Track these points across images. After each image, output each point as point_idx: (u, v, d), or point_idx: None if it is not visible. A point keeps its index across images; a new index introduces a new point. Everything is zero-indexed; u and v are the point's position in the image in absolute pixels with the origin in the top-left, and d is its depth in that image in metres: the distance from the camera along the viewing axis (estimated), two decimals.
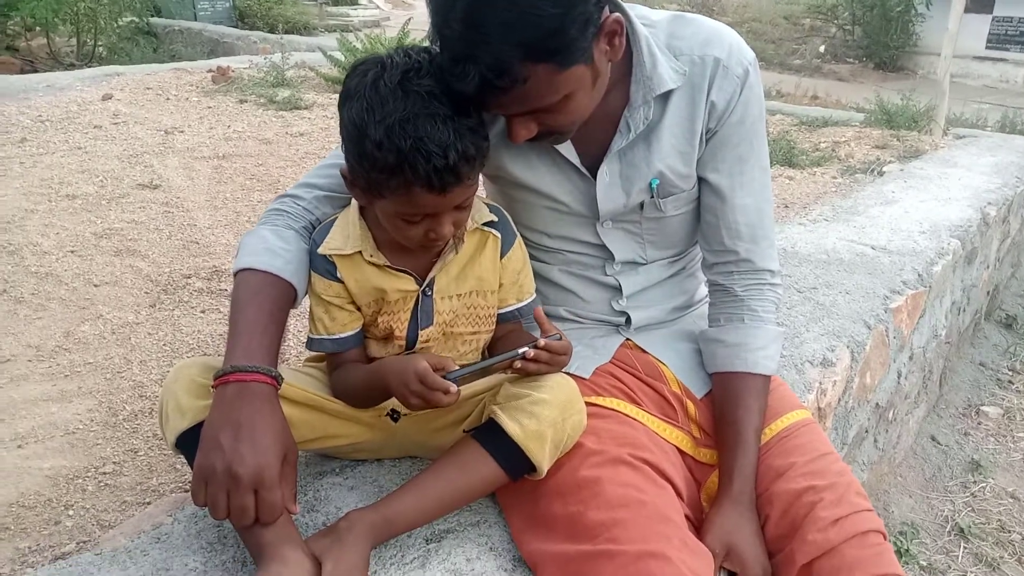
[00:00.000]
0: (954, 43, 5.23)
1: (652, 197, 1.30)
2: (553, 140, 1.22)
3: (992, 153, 4.53)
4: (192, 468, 1.07)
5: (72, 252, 2.89)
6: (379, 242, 1.20)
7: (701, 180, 1.31)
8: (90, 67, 8.39)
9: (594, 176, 1.28)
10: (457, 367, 1.11)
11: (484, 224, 1.24)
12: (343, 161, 1.22)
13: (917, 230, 2.92)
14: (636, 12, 1.22)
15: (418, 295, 1.22)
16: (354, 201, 1.23)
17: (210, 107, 5.53)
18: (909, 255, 2.65)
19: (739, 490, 1.21)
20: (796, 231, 2.83)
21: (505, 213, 1.28)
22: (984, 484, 2.78)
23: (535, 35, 0.98)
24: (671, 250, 1.41)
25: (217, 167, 4.10)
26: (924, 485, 2.79)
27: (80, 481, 1.67)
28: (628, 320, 1.41)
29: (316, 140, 4.78)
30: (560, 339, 1.15)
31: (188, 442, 1.08)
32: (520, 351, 1.11)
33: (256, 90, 6.03)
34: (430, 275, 1.21)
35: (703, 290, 1.51)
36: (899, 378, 2.54)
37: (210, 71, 6.66)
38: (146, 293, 2.57)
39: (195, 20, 13.65)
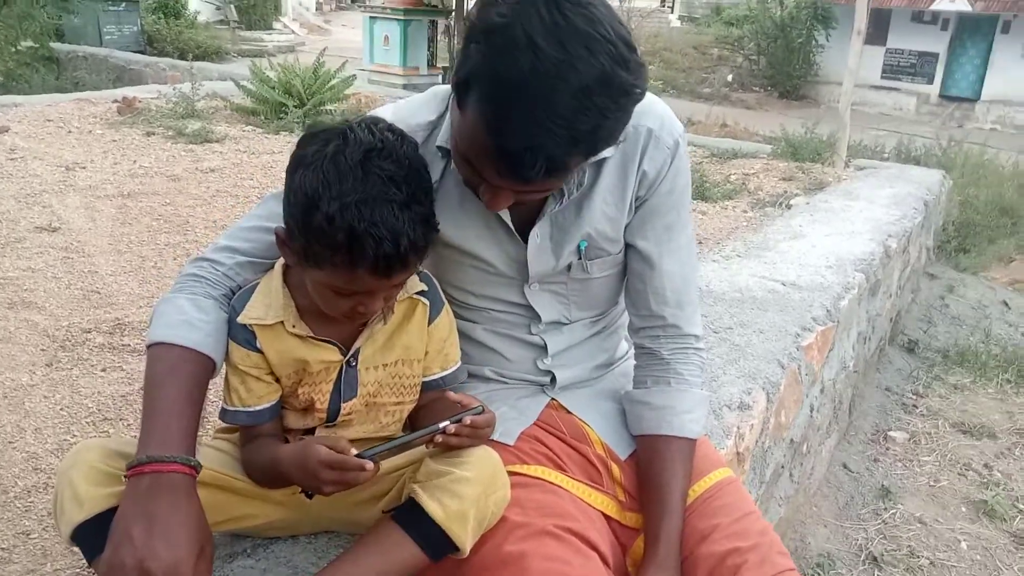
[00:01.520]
0: (854, 79, 5.50)
1: (580, 259, 1.30)
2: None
3: (891, 184, 4.77)
4: (90, 563, 1.01)
5: None
6: (301, 310, 1.15)
7: (629, 246, 1.32)
8: None
9: (524, 238, 1.27)
10: (352, 449, 1.06)
11: (415, 293, 1.21)
12: (267, 223, 1.19)
13: (824, 264, 3.03)
14: None
15: (342, 365, 1.18)
16: (277, 267, 1.19)
17: (115, 140, 5.32)
18: (817, 290, 2.74)
19: (664, 555, 1.20)
20: (711, 268, 2.89)
21: (434, 280, 1.26)
22: (894, 510, 2.88)
23: (607, 140, 1.02)
24: (594, 310, 1.42)
25: (121, 207, 3.93)
26: (838, 514, 2.87)
27: None
28: (553, 379, 1.40)
29: (228, 176, 4.64)
30: (482, 411, 1.13)
31: (86, 535, 1.01)
32: (440, 426, 1.09)
33: (164, 122, 5.83)
34: (355, 345, 1.18)
35: (624, 346, 1.53)
36: (811, 412, 2.61)
37: (115, 101, 6.42)
38: (42, 350, 2.41)
39: (101, 45, 13.20)
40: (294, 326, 1.14)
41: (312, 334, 1.15)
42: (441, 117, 1.25)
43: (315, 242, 1.02)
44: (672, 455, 1.28)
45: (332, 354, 1.17)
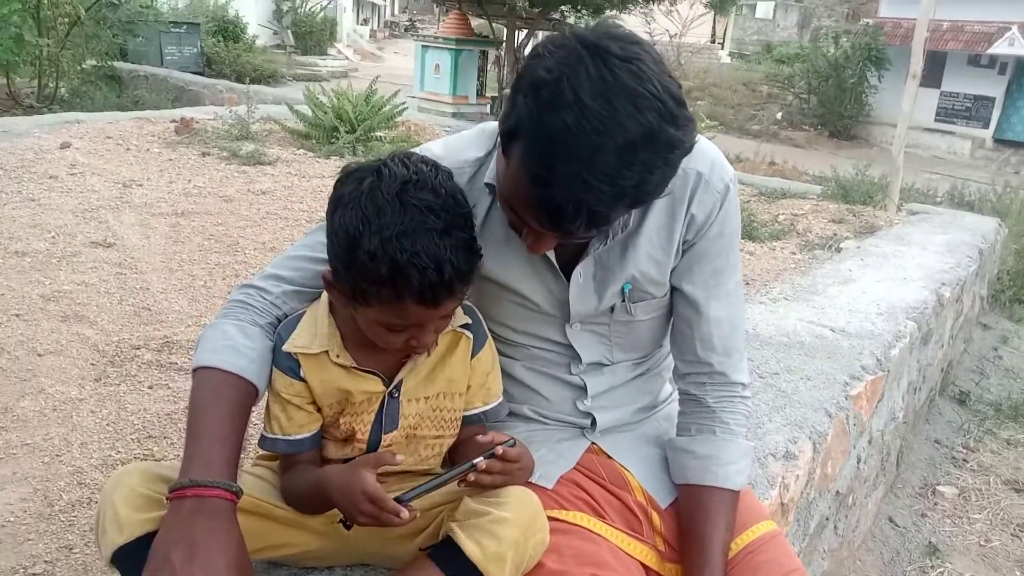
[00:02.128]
0: (908, 123, 5.41)
1: (623, 301, 1.29)
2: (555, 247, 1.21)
3: (944, 231, 4.66)
4: None
5: (17, 316, 2.78)
6: (346, 340, 1.16)
7: (675, 290, 1.31)
8: (51, 111, 8.29)
9: (567, 276, 1.27)
10: (400, 456, 1.08)
11: (459, 326, 1.21)
12: (314, 252, 1.20)
13: (875, 311, 2.96)
14: None
15: (384, 397, 1.18)
16: (324, 296, 1.19)
17: (171, 159, 5.45)
18: (868, 338, 2.67)
19: None
20: (758, 311, 2.84)
21: (478, 313, 1.26)
22: (942, 569, 2.77)
23: (653, 193, 1.01)
24: (637, 353, 1.40)
25: (175, 225, 4.02)
26: (883, 570, 2.77)
27: None
28: (593, 422, 1.37)
29: (279, 199, 4.72)
30: (514, 445, 1.11)
31: (125, 558, 1.02)
32: (476, 462, 1.08)
33: (219, 143, 5.97)
34: (398, 376, 1.18)
35: (667, 389, 1.50)
36: (858, 463, 2.53)
37: (173, 121, 6.61)
38: (92, 365, 2.46)
39: (162, 65, 13.63)
40: (338, 356, 1.14)
41: (356, 364, 1.15)
42: (489, 154, 1.25)
43: (360, 279, 1.02)
44: (715, 506, 1.25)
45: (375, 384, 1.17)
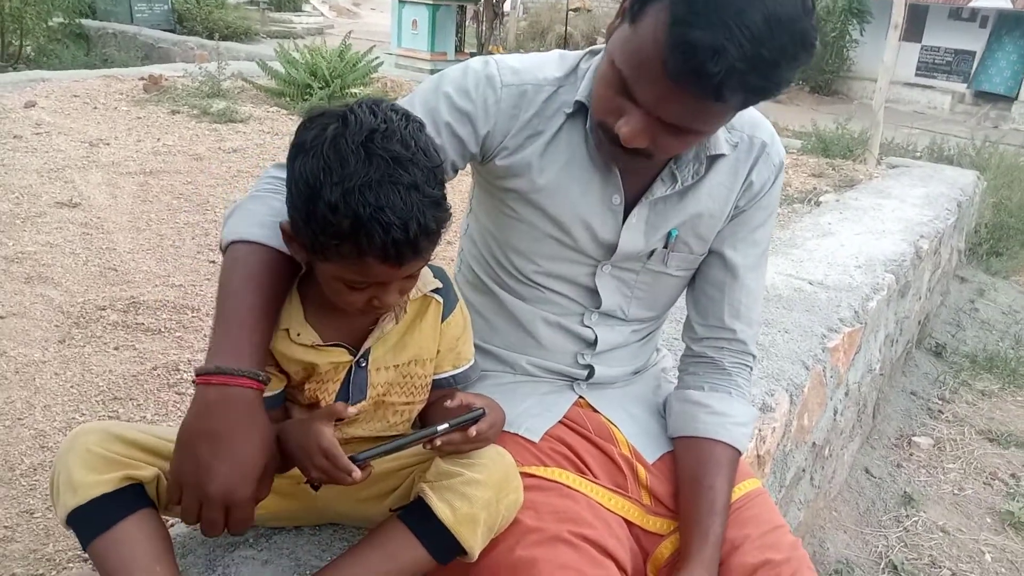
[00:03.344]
0: (889, 75, 5.37)
1: (665, 247, 1.29)
2: (633, 159, 1.16)
3: (924, 184, 4.65)
4: (84, 548, 0.99)
5: None
6: (309, 309, 1.09)
7: (714, 253, 1.33)
8: (15, 70, 8.06)
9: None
10: (351, 409, 1.04)
11: (429, 291, 1.16)
12: None
13: (853, 264, 2.95)
14: None
15: (351, 366, 1.13)
16: None
17: (140, 118, 5.32)
18: (845, 291, 2.66)
19: (711, 557, 1.18)
20: None
21: (448, 276, 1.21)
22: (916, 518, 2.81)
23: (776, 85, 0.98)
24: (650, 312, 1.40)
25: (143, 184, 3.92)
26: (858, 520, 2.80)
27: None
28: (590, 374, 1.36)
29: (250, 157, 4.62)
30: (483, 414, 1.08)
31: (80, 520, 0.99)
32: (439, 429, 1.05)
33: (190, 100, 5.83)
34: (365, 345, 1.12)
35: (655, 356, 1.51)
36: (835, 415, 2.54)
37: (142, 79, 6.44)
38: (56, 326, 2.40)
39: (131, 22, 13.27)
40: (299, 334, 1.08)
41: (319, 341, 1.09)
42: (568, 76, 1.23)
43: (320, 233, 0.95)
44: (724, 461, 1.27)
45: (341, 355, 1.11)
